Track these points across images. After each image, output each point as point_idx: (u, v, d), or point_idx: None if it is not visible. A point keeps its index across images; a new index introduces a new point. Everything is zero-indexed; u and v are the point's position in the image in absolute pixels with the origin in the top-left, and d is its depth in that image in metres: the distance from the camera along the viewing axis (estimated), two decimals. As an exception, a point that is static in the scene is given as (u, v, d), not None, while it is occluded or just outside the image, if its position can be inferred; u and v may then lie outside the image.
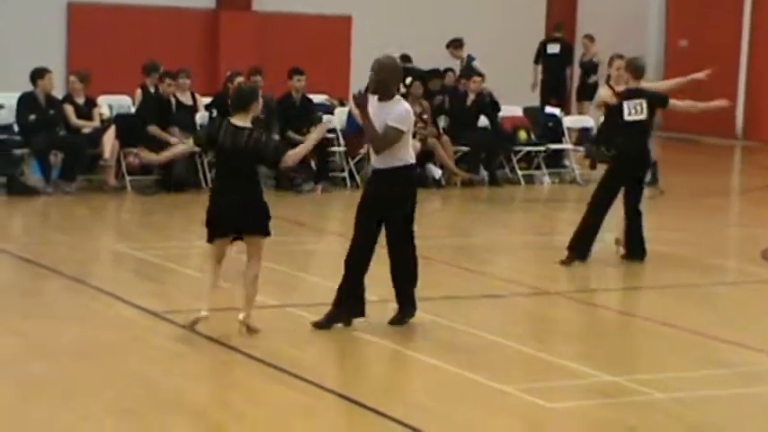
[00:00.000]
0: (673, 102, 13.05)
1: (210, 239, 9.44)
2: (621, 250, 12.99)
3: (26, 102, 16.55)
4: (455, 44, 21.42)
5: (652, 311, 10.96)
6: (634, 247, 12.95)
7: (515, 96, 20.74)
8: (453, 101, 19.50)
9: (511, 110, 20.07)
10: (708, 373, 8.99)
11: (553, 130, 19.84)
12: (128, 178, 16.87)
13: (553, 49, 23.35)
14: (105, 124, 17.20)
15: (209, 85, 20.76)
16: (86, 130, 16.92)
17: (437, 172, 18.53)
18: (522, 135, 19.55)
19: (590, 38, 23.27)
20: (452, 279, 12.10)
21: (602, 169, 13.67)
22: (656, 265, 12.87)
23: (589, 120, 20.27)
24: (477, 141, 18.96)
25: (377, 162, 9.69)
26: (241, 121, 9.44)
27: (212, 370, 8.81)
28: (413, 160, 9.71)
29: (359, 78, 20.36)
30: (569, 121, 20.57)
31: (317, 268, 12.56)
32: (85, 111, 17.06)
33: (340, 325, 9.69)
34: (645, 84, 13.12)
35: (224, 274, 9.63)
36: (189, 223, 13.69)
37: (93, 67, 18.36)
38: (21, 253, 12.46)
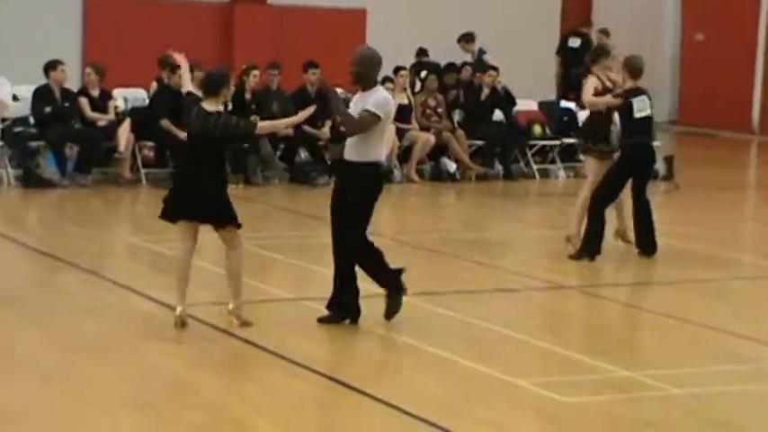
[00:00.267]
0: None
1: (172, 220, 9.44)
2: (621, 241, 12.87)
3: (41, 94, 16.60)
4: (466, 38, 21.35)
5: (667, 306, 10.93)
6: (646, 242, 12.88)
7: (530, 91, 20.71)
8: (468, 95, 19.47)
9: (526, 104, 20.05)
10: (724, 369, 8.97)
11: (568, 125, 19.80)
12: (143, 171, 16.90)
13: (574, 43, 23.24)
14: (120, 117, 17.23)
15: (225, 79, 20.78)
16: (101, 123, 16.96)
17: (452, 166, 18.52)
18: (537, 129, 19.53)
19: (605, 32, 23.12)
20: (466, 273, 12.10)
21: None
22: (671, 259, 12.84)
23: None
24: (492, 135, 18.93)
25: (349, 153, 9.57)
26: (212, 105, 9.44)
27: (229, 363, 8.82)
28: (383, 158, 9.60)
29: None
30: (584, 116, 20.47)
31: (331, 261, 12.55)
32: (100, 103, 17.09)
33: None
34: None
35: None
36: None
37: (109, 60, 18.39)
38: (36, 245, 12.49)
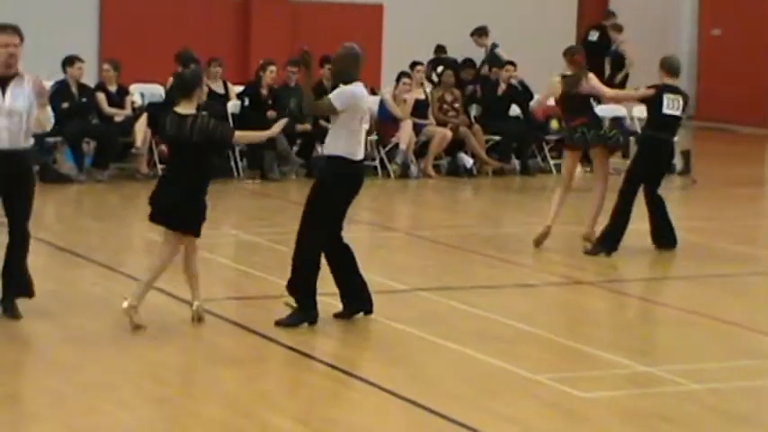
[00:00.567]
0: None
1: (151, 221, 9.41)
2: (588, 246, 12.78)
3: (59, 90, 16.61)
4: (479, 32, 21.28)
5: (685, 301, 10.91)
6: (665, 236, 12.87)
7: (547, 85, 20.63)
8: (485, 90, 19.45)
9: (543, 98, 19.97)
10: (743, 364, 8.94)
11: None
12: (159, 166, 16.90)
13: (593, 36, 23.06)
14: (137, 112, 17.26)
15: (241, 74, 20.79)
16: (118, 119, 16.99)
17: (468, 161, 18.50)
18: (555, 124, 19.47)
19: (618, 28, 22.95)
20: (484, 268, 12.08)
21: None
22: (688, 254, 12.81)
23: (621, 109, 20.14)
24: (509, 130, 18.91)
25: (325, 147, 9.63)
26: (185, 108, 9.19)
27: (246, 358, 8.81)
28: (355, 155, 9.47)
29: (391, 67, 20.35)
30: (601, 110, 20.41)
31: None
32: (117, 99, 17.12)
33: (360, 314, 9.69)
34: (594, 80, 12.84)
35: None
36: (220, 211, 13.69)
37: (126, 56, 18.42)
38: (54, 240, 12.51)
